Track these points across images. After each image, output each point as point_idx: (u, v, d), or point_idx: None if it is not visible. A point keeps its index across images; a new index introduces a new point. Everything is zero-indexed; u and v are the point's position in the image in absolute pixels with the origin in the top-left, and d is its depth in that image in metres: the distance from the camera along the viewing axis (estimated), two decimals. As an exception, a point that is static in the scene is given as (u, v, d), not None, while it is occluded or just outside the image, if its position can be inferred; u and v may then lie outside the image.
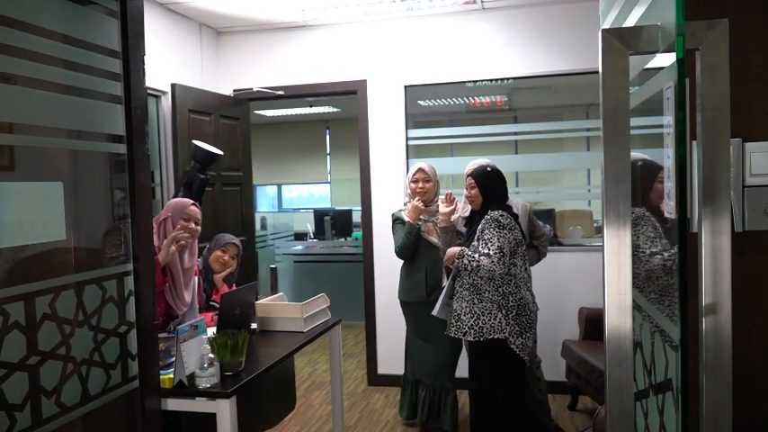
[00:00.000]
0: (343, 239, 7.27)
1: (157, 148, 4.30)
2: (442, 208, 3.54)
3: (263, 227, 8.99)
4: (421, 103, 5.38)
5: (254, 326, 3.07)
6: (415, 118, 4.81)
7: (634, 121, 1.03)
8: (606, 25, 1.48)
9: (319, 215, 7.49)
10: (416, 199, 3.67)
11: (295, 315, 3.08)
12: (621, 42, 1.00)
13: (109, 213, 2.13)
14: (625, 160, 1.01)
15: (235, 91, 4.88)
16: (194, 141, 3.75)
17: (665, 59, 0.95)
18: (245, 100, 4.92)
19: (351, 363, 5.34)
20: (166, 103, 4.26)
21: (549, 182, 6.59)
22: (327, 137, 10.06)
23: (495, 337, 2.99)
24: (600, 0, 1.58)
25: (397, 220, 3.78)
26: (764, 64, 1.32)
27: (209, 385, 2.30)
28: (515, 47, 4.41)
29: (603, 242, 1.04)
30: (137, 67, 2.11)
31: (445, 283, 3.70)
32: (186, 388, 2.30)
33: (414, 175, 3.74)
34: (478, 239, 3.06)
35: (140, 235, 2.13)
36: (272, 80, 4.82)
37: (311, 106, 8.22)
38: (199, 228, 2.96)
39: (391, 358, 4.62)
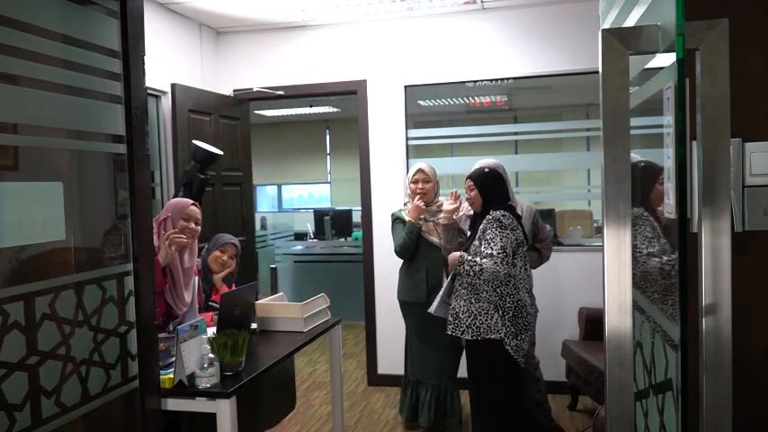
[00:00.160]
0: (343, 239, 7.27)
1: (157, 148, 4.30)
2: (446, 205, 3.54)
3: (263, 227, 8.98)
4: (421, 103, 5.38)
5: (254, 326, 3.07)
6: (415, 118, 4.81)
7: (634, 121, 1.03)
8: (606, 25, 1.48)
9: (319, 215, 7.49)
10: (417, 198, 3.67)
11: (295, 315, 3.08)
12: (621, 42, 1.00)
13: (109, 213, 2.13)
14: (625, 160, 1.01)
15: (235, 91, 4.88)
16: (194, 141, 3.75)
17: (665, 59, 0.95)
18: (245, 100, 4.92)
19: (351, 363, 5.34)
20: (166, 103, 4.26)
21: (549, 182, 6.59)
22: (327, 137, 10.06)
23: (492, 337, 3.00)
24: (600, 0, 1.58)
25: (397, 219, 3.78)
26: (764, 64, 1.32)
27: (209, 385, 2.30)
28: (515, 47, 4.41)
29: (603, 242, 1.04)
30: (137, 67, 2.11)
31: (445, 281, 3.70)
32: (186, 388, 2.30)
33: (414, 175, 3.74)
34: (480, 240, 3.06)
35: (140, 235, 2.13)
36: (272, 80, 4.82)
37: (311, 106, 8.22)
38: (199, 228, 2.96)
39: (391, 358, 4.62)
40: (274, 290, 6.87)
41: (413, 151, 4.68)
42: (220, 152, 3.73)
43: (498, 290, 3.02)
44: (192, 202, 3.00)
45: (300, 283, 6.95)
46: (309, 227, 7.75)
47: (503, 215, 3.05)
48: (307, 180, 10.69)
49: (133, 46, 2.09)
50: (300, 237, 8.00)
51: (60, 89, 1.89)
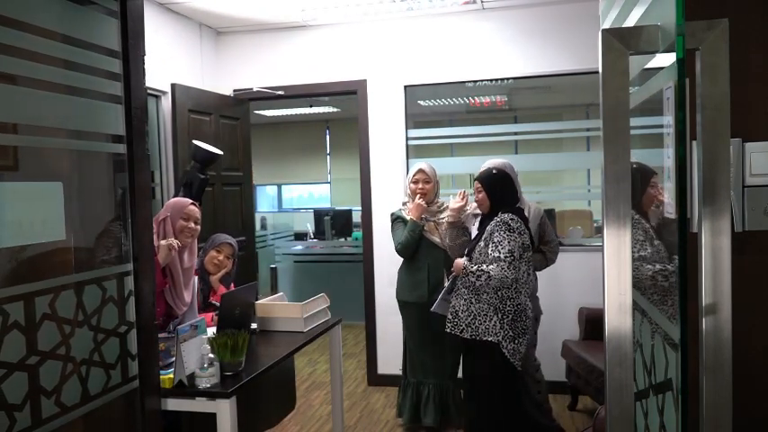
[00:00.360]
0: (343, 239, 7.27)
1: (157, 148, 4.30)
2: (452, 203, 3.53)
3: (263, 227, 8.98)
4: (421, 103, 5.38)
5: (254, 326, 3.07)
6: (415, 118, 4.81)
7: (634, 121, 1.03)
8: (606, 25, 1.48)
9: (319, 215, 7.49)
10: (418, 197, 3.67)
11: (295, 315, 3.08)
12: (621, 42, 1.00)
13: (109, 213, 2.13)
14: (625, 160, 1.01)
15: (235, 91, 4.88)
16: (194, 141, 3.75)
17: (665, 59, 0.95)
18: (245, 100, 4.92)
19: (351, 363, 5.34)
20: (166, 103, 4.26)
21: (549, 182, 6.59)
22: (327, 137, 10.06)
23: (489, 339, 2.99)
24: (600, 0, 1.58)
25: (397, 219, 3.78)
26: (764, 64, 1.32)
27: (209, 385, 2.30)
28: (515, 47, 4.41)
29: (603, 242, 1.04)
30: (137, 67, 2.11)
31: (446, 282, 3.70)
32: (186, 388, 2.30)
33: (414, 175, 3.73)
34: (487, 242, 3.05)
35: (140, 235, 2.13)
36: (272, 80, 4.82)
37: (311, 106, 8.22)
38: (198, 227, 2.96)
39: (391, 358, 4.62)
40: (274, 290, 6.87)
41: (413, 151, 4.68)
42: (220, 152, 3.73)
43: (499, 293, 3.01)
44: (191, 201, 3.00)
45: (300, 283, 6.95)
46: (309, 227, 7.75)
47: (511, 218, 3.03)
48: (307, 180, 10.69)
49: (133, 46, 2.09)
50: (300, 237, 8.00)
51: (60, 89, 1.89)
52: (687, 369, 0.88)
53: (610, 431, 1.04)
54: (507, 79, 4.53)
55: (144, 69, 2.15)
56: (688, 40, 0.93)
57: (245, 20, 4.60)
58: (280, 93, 4.80)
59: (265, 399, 2.96)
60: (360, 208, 4.82)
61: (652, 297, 1.22)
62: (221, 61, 4.91)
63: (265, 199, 11.36)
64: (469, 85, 4.62)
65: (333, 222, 7.29)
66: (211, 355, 2.34)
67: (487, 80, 4.56)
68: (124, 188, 2.11)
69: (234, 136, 4.82)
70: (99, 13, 2.03)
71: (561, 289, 4.36)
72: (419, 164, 3.78)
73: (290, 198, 11.54)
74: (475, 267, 3.02)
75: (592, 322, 4.03)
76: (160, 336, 2.46)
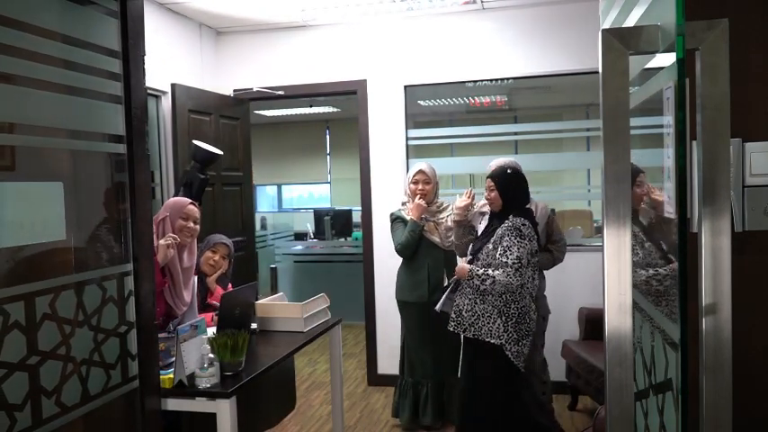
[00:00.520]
0: (343, 239, 7.27)
1: (157, 148, 4.30)
2: (458, 202, 3.51)
3: (263, 227, 8.98)
4: (421, 103, 5.37)
5: (254, 326, 3.07)
6: (415, 118, 4.81)
7: (634, 121, 1.03)
8: (606, 25, 1.48)
9: (319, 215, 7.49)
10: (418, 197, 3.67)
11: (295, 315, 3.08)
12: (621, 42, 1.00)
13: (109, 213, 2.13)
14: (625, 160, 1.01)
15: (235, 91, 4.88)
16: (194, 141, 3.75)
17: (665, 59, 0.95)
18: (245, 100, 4.92)
19: (351, 363, 5.34)
20: (166, 103, 4.26)
21: (549, 182, 6.58)
22: (327, 137, 10.06)
23: (492, 341, 2.98)
24: (600, 0, 1.58)
25: (396, 219, 3.78)
26: (764, 64, 1.32)
27: (209, 385, 2.30)
28: (515, 47, 4.41)
29: (603, 242, 1.04)
30: (137, 67, 2.11)
31: (446, 282, 3.70)
32: (186, 388, 2.30)
33: (414, 176, 3.74)
34: (495, 245, 3.01)
35: (140, 235, 2.13)
36: (272, 80, 4.82)
37: (311, 106, 8.22)
38: (197, 227, 2.96)
39: (391, 358, 4.62)
40: (274, 290, 6.87)
41: (413, 151, 4.68)
42: (220, 152, 3.72)
43: (503, 296, 2.99)
44: (190, 201, 2.99)
45: (300, 283, 6.95)
46: (309, 227, 7.75)
47: (522, 224, 2.99)
48: (307, 180, 10.69)
49: (133, 46, 2.09)
50: (300, 237, 8.00)
51: (60, 89, 1.89)
52: (687, 369, 0.88)
53: (610, 431, 1.04)
54: (507, 79, 4.53)
55: (144, 69, 2.15)
56: (688, 40, 0.93)
57: (244, 20, 4.60)
58: (280, 93, 4.80)
59: (265, 399, 2.96)
60: (360, 208, 4.82)
61: (648, 300, 1.22)
62: (221, 61, 4.91)
63: (265, 199, 11.36)
64: (469, 85, 4.62)
65: (333, 222, 7.28)
66: (211, 355, 2.34)
67: (487, 80, 4.56)
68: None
69: (234, 136, 4.82)
70: (99, 13, 2.03)
71: (561, 289, 4.36)
72: (419, 164, 3.77)
73: (290, 198, 11.54)
74: (481, 271, 2.99)
75: (592, 322, 4.03)
76: (160, 336, 2.46)
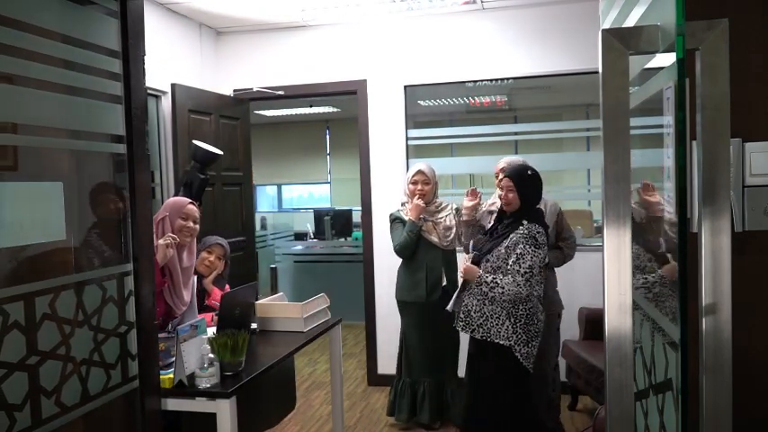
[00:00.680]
0: (343, 239, 7.27)
1: (157, 148, 4.30)
2: (466, 202, 3.50)
3: (263, 227, 8.98)
4: (421, 103, 5.38)
5: (254, 326, 3.07)
6: (415, 118, 4.81)
7: (634, 121, 1.03)
8: (606, 25, 1.48)
9: (319, 215, 7.49)
10: (417, 198, 3.68)
11: (295, 315, 3.07)
12: (621, 42, 1.00)
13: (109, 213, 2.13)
14: (625, 160, 1.01)
15: (235, 91, 4.88)
16: (194, 141, 3.75)
17: (665, 59, 0.95)
18: (245, 100, 4.92)
19: (351, 363, 5.34)
20: (166, 103, 4.26)
21: (549, 182, 6.54)
22: (327, 137, 10.06)
23: (502, 342, 2.94)
24: (600, 0, 1.58)
25: (395, 219, 3.79)
26: (764, 64, 1.32)
27: (209, 385, 2.30)
28: (515, 47, 4.41)
29: (603, 242, 1.04)
30: (137, 67, 2.11)
31: (445, 282, 3.71)
32: (186, 388, 2.30)
33: (413, 176, 3.74)
34: (508, 251, 2.95)
35: (140, 235, 2.13)
36: (272, 80, 4.82)
37: (311, 106, 8.22)
38: (197, 226, 2.95)
39: (391, 358, 4.61)
40: (274, 290, 6.87)
41: (413, 151, 4.68)
42: (220, 152, 3.73)
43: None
44: (189, 200, 2.99)
45: (300, 283, 6.95)
46: (309, 227, 7.75)
47: (538, 232, 2.95)
48: (307, 180, 10.69)
49: (133, 46, 2.09)
50: (300, 237, 8.00)
51: (60, 89, 1.89)
52: (687, 369, 0.88)
53: (610, 431, 1.04)
54: (507, 79, 4.53)
55: (144, 69, 2.15)
56: (688, 40, 0.93)
57: (244, 20, 4.60)
58: (280, 93, 4.80)
59: (265, 399, 2.96)
60: (360, 208, 4.82)
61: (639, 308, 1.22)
62: (221, 61, 4.91)
63: (265, 199, 11.36)
64: (469, 85, 4.62)
65: (333, 222, 7.28)
66: (211, 355, 2.34)
67: (487, 80, 4.56)
68: (125, 188, 2.10)
69: (234, 136, 4.82)
70: (99, 13, 2.03)
71: (561, 289, 4.36)
72: (418, 164, 3.78)
73: (290, 198, 11.54)
74: (490, 278, 2.95)
75: (592, 322, 4.03)
76: (160, 336, 2.46)
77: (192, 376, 2.32)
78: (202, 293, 3.26)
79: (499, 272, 2.96)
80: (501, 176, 3.41)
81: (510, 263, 2.93)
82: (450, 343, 3.76)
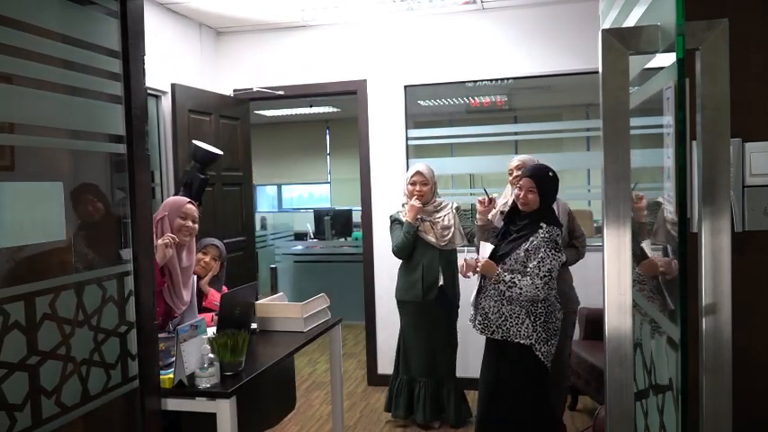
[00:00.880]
0: (343, 239, 7.27)
1: (157, 148, 4.30)
2: (480, 207, 3.46)
3: (263, 227, 8.98)
4: (421, 103, 5.38)
5: (254, 326, 3.07)
6: (415, 118, 4.81)
7: (634, 121, 1.03)
8: (606, 25, 1.48)
9: (319, 215, 7.49)
10: (414, 198, 3.68)
11: (295, 315, 3.07)
12: (621, 42, 1.00)
13: (109, 213, 2.13)
14: (625, 160, 1.01)
15: (235, 91, 4.88)
16: (194, 141, 3.75)
17: (665, 59, 0.95)
18: (245, 100, 4.92)
19: (351, 363, 5.34)
20: (166, 103, 4.26)
21: (549, 182, 6.57)
22: (327, 137, 10.06)
23: (522, 342, 2.92)
24: (600, 0, 1.58)
25: (395, 221, 3.82)
26: (764, 64, 1.32)
27: (209, 385, 2.30)
28: (515, 47, 4.41)
29: (603, 242, 1.04)
30: (137, 67, 2.11)
31: (441, 282, 3.71)
32: (186, 388, 2.30)
33: (411, 177, 3.75)
34: (527, 254, 2.92)
35: (140, 235, 2.13)
36: (272, 80, 4.82)
37: (311, 106, 8.22)
38: (196, 226, 2.95)
39: (391, 358, 4.61)
40: (274, 290, 6.87)
41: (413, 151, 4.68)
42: (220, 152, 3.72)
43: None
44: (188, 200, 2.99)
45: (300, 283, 6.95)
46: (309, 227, 7.75)
47: (558, 234, 2.93)
48: (307, 180, 10.69)
49: (133, 46, 2.09)
50: (300, 237, 8.00)
51: (60, 89, 1.89)
52: (687, 369, 0.88)
53: (610, 431, 1.04)
54: (507, 79, 4.53)
55: (144, 69, 2.15)
56: (688, 40, 0.93)
57: (245, 20, 4.60)
58: (280, 93, 4.80)
59: (265, 399, 2.96)
60: (360, 208, 4.82)
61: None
62: (221, 61, 4.91)
63: (265, 199, 11.36)
64: (469, 85, 4.62)
65: (333, 222, 7.28)
66: (211, 355, 2.34)
67: (487, 80, 4.56)
68: (125, 188, 2.10)
69: (234, 136, 4.82)
70: (99, 13, 2.03)
71: (561, 289, 4.36)
72: (417, 165, 3.78)
73: (290, 198, 11.54)
74: (509, 278, 2.91)
75: (592, 322, 4.03)
76: (160, 336, 2.46)
77: (192, 376, 2.32)
78: (199, 295, 3.26)
79: (518, 274, 2.93)
80: (515, 174, 3.39)
81: (530, 266, 2.90)
82: (447, 343, 3.77)
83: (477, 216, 3.46)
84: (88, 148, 2.02)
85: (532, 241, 2.92)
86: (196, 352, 2.35)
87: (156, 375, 2.23)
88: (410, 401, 3.82)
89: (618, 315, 1.03)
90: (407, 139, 4.65)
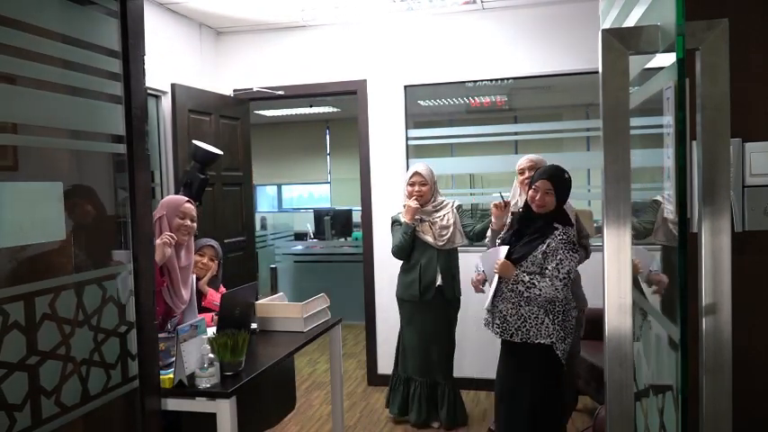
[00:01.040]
0: (343, 239, 7.27)
1: (157, 148, 4.30)
2: (496, 211, 3.44)
3: (263, 227, 8.98)
4: (421, 103, 5.37)
5: (254, 326, 3.07)
6: (415, 118, 4.81)
7: (634, 121, 1.03)
8: (606, 25, 1.48)
9: (319, 215, 7.49)
10: (412, 199, 3.68)
11: (295, 315, 3.07)
12: (621, 42, 1.00)
13: (109, 213, 2.13)
14: (625, 160, 1.01)
15: (235, 91, 4.88)
16: (194, 141, 3.75)
17: (665, 59, 0.95)
18: (245, 100, 4.92)
19: (351, 363, 5.34)
20: (166, 103, 4.26)
21: (549, 182, 6.56)
22: (327, 137, 10.06)
23: (543, 342, 2.90)
24: (600, 0, 1.58)
25: (395, 222, 3.82)
26: (764, 64, 1.32)
27: (209, 385, 2.30)
28: (515, 47, 4.41)
29: (603, 242, 1.04)
30: (137, 67, 2.11)
31: (439, 282, 3.70)
32: (186, 388, 2.30)
33: (410, 177, 3.75)
34: (546, 256, 2.90)
35: (140, 235, 2.13)
36: (272, 80, 4.82)
37: (311, 106, 8.22)
38: (194, 224, 2.95)
39: (391, 358, 4.60)
40: (274, 290, 6.87)
41: (413, 151, 4.68)
42: (220, 152, 3.72)
43: None
44: (186, 198, 2.98)
45: (300, 283, 6.95)
46: (309, 227, 7.75)
47: (574, 235, 2.92)
48: (307, 180, 10.69)
49: (133, 46, 2.09)
50: (300, 237, 8.00)
51: (60, 89, 1.89)
52: (687, 369, 0.88)
53: (610, 431, 1.04)
54: (507, 79, 4.53)
55: (144, 69, 2.15)
56: (688, 40, 0.93)
57: (245, 20, 4.60)
58: (280, 93, 4.80)
59: (265, 399, 2.96)
60: (360, 208, 4.82)
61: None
62: (221, 61, 4.90)
63: (265, 199, 11.36)
64: (469, 85, 4.62)
65: (333, 222, 7.28)
66: (211, 355, 2.34)
67: (487, 80, 4.56)
68: (125, 188, 2.10)
69: (234, 136, 4.82)
70: (99, 13, 2.03)
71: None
72: (416, 165, 3.79)
73: (290, 198, 11.54)
74: (527, 278, 2.90)
75: (592, 322, 4.02)
76: (160, 336, 2.46)
77: (192, 376, 2.32)
78: (198, 295, 3.26)
79: (537, 276, 2.92)
80: (527, 174, 3.37)
81: (550, 268, 2.88)
82: (445, 343, 3.77)
83: (493, 220, 3.44)
84: (88, 148, 2.03)
85: (549, 243, 2.90)
86: (196, 352, 2.35)
87: (156, 375, 2.23)
88: (406, 400, 3.84)
89: (618, 315, 1.03)
90: (407, 139, 4.65)
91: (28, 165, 1.83)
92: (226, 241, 4.52)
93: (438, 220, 3.73)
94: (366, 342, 4.86)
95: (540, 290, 2.87)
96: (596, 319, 3.98)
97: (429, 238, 3.69)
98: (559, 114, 6.61)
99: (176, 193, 3.64)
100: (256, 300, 3.17)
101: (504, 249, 3.03)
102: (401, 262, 3.83)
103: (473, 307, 4.16)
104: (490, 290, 3.07)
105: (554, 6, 4.32)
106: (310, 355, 5.54)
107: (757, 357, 1.33)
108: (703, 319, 0.98)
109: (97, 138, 2.05)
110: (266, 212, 10.34)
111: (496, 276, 3.02)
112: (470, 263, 4.14)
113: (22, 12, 1.74)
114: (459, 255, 3.88)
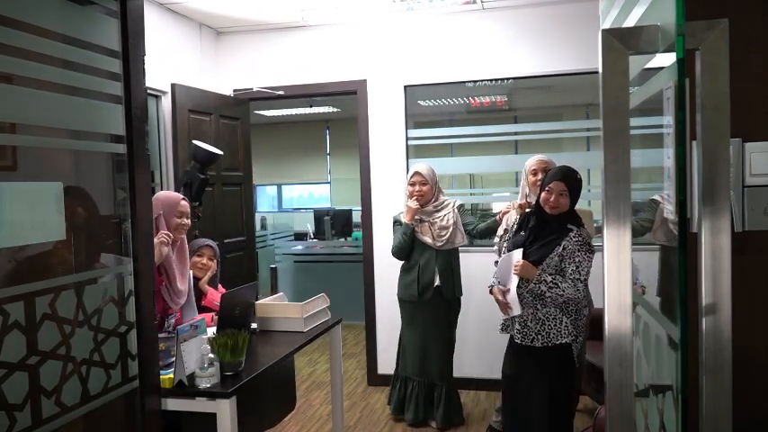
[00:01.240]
0: (343, 239, 7.27)
1: (157, 148, 4.30)
2: (514, 213, 3.44)
3: (263, 227, 8.98)
4: (421, 103, 5.38)
5: (254, 326, 3.07)
6: (415, 118, 4.81)
7: (634, 121, 1.03)
8: (606, 25, 1.48)
9: (319, 215, 7.49)
10: (412, 199, 3.68)
11: (295, 315, 3.07)
12: (621, 42, 1.00)
13: (109, 213, 2.13)
14: (625, 160, 1.01)
15: (235, 91, 4.88)
16: (194, 141, 3.76)
17: (665, 59, 0.95)
18: (245, 100, 4.92)
19: (351, 363, 5.34)
20: (166, 103, 4.26)
21: (549, 182, 6.57)
22: (327, 137, 10.06)
23: (563, 341, 2.90)
24: (600, 0, 1.58)
25: (396, 222, 3.83)
26: (764, 64, 1.32)
27: (209, 385, 2.30)
28: (515, 47, 4.41)
29: (603, 242, 1.04)
30: (137, 67, 2.11)
31: (437, 282, 3.70)
32: (186, 388, 2.30)
33: (411, 177, 3.75)
34: (562, 258, 2.89)
35: (140, 235, 2.13)
36: (272, 80, 4.82)
37: (311, 106, 8.22)
38: (189, 221, 2.95)
39: (391, 358, 4.60)
40: (274, 290, 6.87)
41: (413, 151, 4.68)
42: (220, 152, 3.73)
43: None
44: (181, 196, 2.97)
45: (300, 283, 6.95)
46: (309, 227, 7.75)
47: (588, 235, 2.93)
48: (307, 180, 10.69)
49: (133, 46, 2.09)
50: (300, 237, 8.00)
51: (60, 89, 1.89)
52: (687, 369, 0.88)
53: (610, 431, 1.04)
54: (507, 79, 4.53)
55: (144, 69, 2.15)
56: (688, 40, 0.93)
57: (245, 20, 4.60)
58: (280, 93, 4.80)
59: (265, 399, 2.96)
60: (360, 208, 4.82)
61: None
62: (221, 61, 4.90)
63: (265, 199, 11.36)
64: (469, 85, 4.61)
65: (333, 222, 7.29)
66: (211, 355, 2.34)
67: (488, 80, 4.56)
68: (125, 188, 2.10)
69: (234, 136, 4.82)
70: (99, 13, 2.03)
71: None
72: (416, 165, 3.79)
73: (290, 198, 11.54)
74: (550, 278, 2.88)
75: (592, 322, 4.02)
76: (160, 336, 2.46)
77: (192, 376, 2.32)
78: (198, 295, 3.26)
79: (556, 275, 2.92)
80: (540, 176, 3.36)
81: (569, 270, 2.88)
82: (443, 344, 3.77)
83: (503, 224, 3.47)
84: (88, 148, 2.03)
85: (566, 246, 2.90)
86: (196, 352, 2.35)
87: (156, 375, 2.23)
88: (404, 398, 3.86)
89: (618, 315, 1.03)
90: (407, 139, 4.64)
91: (27, 165, 1.83)
92: (226, 241, 4.52)
93: (438, 220, 3.72)
94: (366, 342, 4.86)
95: (563, 291, 2.86)
96: (596, 319, 3.98)
97: (428, 239, 3.69)
98: (559, 114, 6.62)
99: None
100: (256, 300, 3.17)
101: (518, 252, 3.00)
102: (402, 262, 3.83)
103: (474, 307, 4.17)
104: (511, 294, 3.01)
105: (554, 6, 4.32)
106: (310, 355, 5.54)
107: (757, 357, 1.33)
108: (703, 319, 0.98)
109: (97, 138, 2.05)
110: (266, 212, 10.34)
111: (515, 280, 2.98)
112: (471, 263, 4.17)
113: (22, 12, 1.74)
114: (461, 255, 3.88)
